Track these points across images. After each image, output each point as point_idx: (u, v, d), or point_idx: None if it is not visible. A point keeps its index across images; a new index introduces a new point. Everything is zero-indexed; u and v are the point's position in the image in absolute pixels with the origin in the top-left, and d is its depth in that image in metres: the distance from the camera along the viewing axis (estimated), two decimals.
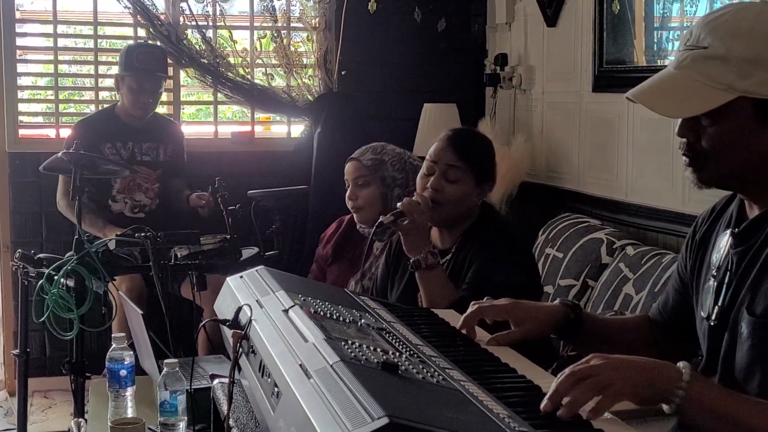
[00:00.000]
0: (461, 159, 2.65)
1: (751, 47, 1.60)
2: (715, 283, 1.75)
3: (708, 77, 1.62)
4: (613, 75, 3.93)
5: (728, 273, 1.72)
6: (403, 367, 1.42)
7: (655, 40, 3.94)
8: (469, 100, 5.03)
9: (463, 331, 1.93)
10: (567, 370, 1.49)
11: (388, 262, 2.83)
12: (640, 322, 2.05)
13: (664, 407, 1.51)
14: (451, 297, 2.50)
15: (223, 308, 1.93)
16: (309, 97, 4.89)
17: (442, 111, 4.73)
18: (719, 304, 1.73)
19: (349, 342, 1.50)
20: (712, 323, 1.74)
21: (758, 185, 1.69)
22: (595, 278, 3.50)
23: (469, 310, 1.95)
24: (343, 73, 4.91)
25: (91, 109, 4.78)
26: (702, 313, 1.79)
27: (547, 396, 1.45)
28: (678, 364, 1.53)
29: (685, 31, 1.68)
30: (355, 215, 3.24)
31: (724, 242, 1.77)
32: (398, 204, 2.62)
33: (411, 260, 2.57)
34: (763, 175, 1.67)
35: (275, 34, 4.88)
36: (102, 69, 4.85)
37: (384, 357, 1.45)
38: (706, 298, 1.78)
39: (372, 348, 1.51)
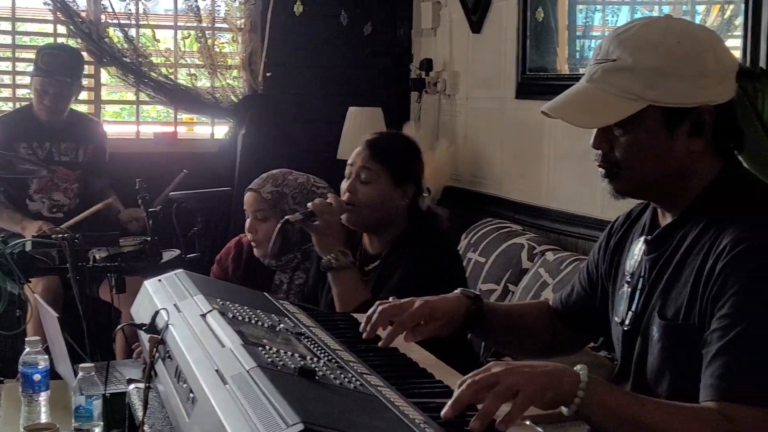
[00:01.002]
0: (374, 160, 2.66)
1: (657, 58, 1.64)
2: (629, 289, 1.79)
3: (618, 88, 1.65)
4: (536, 82, 3.98)
5: (641, 279, 1.76)
6: (321, 373, 1.42)
7: (578, 49, 4.00)
8: (394, 105, 5.05)
9: (365, 335, 1.92)
10: (468, 378, 1.49)
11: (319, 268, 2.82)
12: (539, 309, 2.09)
13: (564, 410, 1.53)
14: (362, 298, 2.50)
15: (141, 312, 1.91)
16: (233, 98, 4.85)
17: (366, 115, 4.74)
18: (633, 309, 1.77)
19: (267, 347, 1.50)
20: (625, 328, 1.78)
21: (670, 193, 1.73)
22: (516, 283, 3.54)
23: (374, 312, 1.93)
24: (268, 75, 4.89)
25: (10, 106, 4.68)
26: (616, 319, 1.82)
27: (448, 404, 1.45)
28: (575, 367, 1.55)
29: (595, 46, 1.72)
30: (254, 249, 3.08)
31: (638, 249, 1.81)
32: (309, 204, 2.62)
33: (322, 260, 2.58)
34: (674, 182, 1.71)
35: (199, 35, 4.83)
36: (20, 66, 4.75)
37: (301, 362, 1.45)
38: (621, 304, 1.81)
39: (290, 353, 1.51)
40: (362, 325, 1.95)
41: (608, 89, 1.66)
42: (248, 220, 3.04)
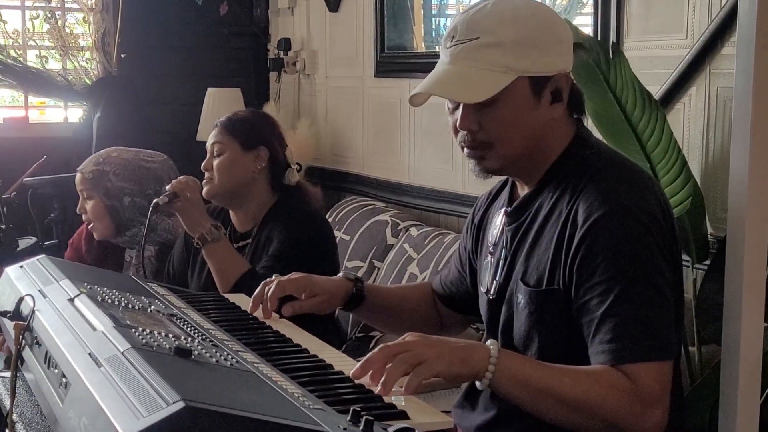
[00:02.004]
0: (223, 133, 2.70)
1: (520, 31, 1.69)
2: (493, 260, 1.85)
3: (489, 63, 1.69)
4: (395, 60, 4.02)
5: (503, 249, 1.82)
6: (196, 352, 1.41)
7: (433, 27, 4.06)
8: (253, 85, 5.01)
9: (257, 313, 1.94)
10: (381, 345, 1.53)
11: (187, 247, 2.79)
12: (422, 292, 2.13)
13: (477, 384, 1.59)
14: (242, 268, 2.52)
15: (2, 299, 1.85)
16: (87, 80, 4.72)
17: (225, 95, 4.69)
18: (497, 278, 1.82)
19: (140, 329, 1.48)
20: (491, 297, 1.83)
21: (532, 164, 1.78)
22: (381, 259, 3.58)
23: (263, 291, 1.95)
24: (122, 56, 4.77)
25: None
26: (482, 289, 1.88)
27: (358, 365, 1.51)
28: (486, 342, 1.61)
29: (446, 31, 1.75)
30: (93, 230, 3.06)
31: (498, 221, 1.86)
32: (167, 186, 2.63)
33: (196, 238, 2.56)
34: (536, 152, 1.76)
35: (49, 15, 4.68)
36: None
37: (176, 342, 1.44)
38: (485, 274, 1.87)
39: (163, 334, 1.49)
40: (251, 306, 1.96)
41: (480, 66, 1.69)
42: (79, 201, 3.04)
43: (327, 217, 4.04)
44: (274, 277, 1.98)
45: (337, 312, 2.64)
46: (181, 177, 2.66)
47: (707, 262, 2.44)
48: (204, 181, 2.68)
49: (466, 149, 1.76)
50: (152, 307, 1.74)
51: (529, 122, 1.73)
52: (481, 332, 2.27)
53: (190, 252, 2.78)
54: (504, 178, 1.92)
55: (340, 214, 3.97)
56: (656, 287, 1.63)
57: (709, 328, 2.25)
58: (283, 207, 2.68)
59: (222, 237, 2.57)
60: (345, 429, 1.18)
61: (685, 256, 2.31)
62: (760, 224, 1.76)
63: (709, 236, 2.47)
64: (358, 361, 1.55)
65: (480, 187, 2.05)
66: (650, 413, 1.57)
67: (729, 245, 1.80)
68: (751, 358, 1.77)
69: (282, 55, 4.83)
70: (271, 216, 2.68)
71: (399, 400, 1.43)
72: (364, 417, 1.20)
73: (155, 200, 2.58)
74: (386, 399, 1.44)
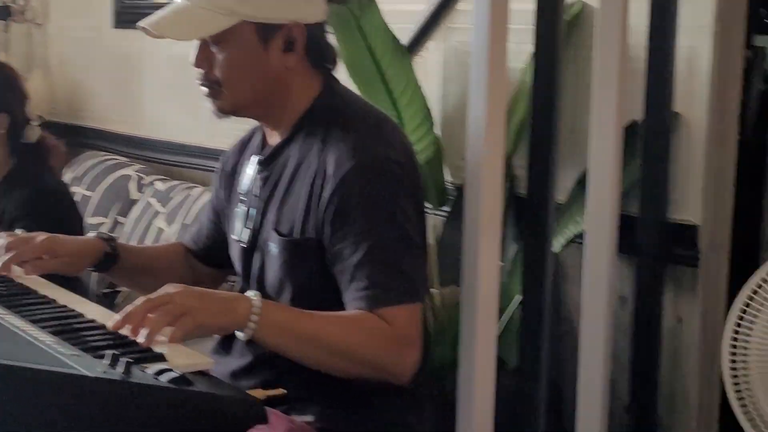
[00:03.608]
0: None
1: None
2: (245, 208, 1.86)
3: (212, 4, 1.70)
4: (135, 11, 3.90)
5: (256, 198, 1.83)
6: None
7: None
8: None
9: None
10: (143, 297, 1.51)
11: None
12: (174, 250, 2.11)
13: (240, 334, 1.60)
14: None
15: None
16: None
17: None
18: (249, 227, 1.84)
19: None
20: (244, 245, 1.85)
21: (273, 111, 1.81)
22: (125, 215, 3.50)
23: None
24: None
25: None
26: (234, 237, 1.89)
27: (118, 316, 1.48)
28: (247, 293, 1.62)
29: None
30: None
31: (250, 169, 1.88)
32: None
33: None
34: (276, 100, 1.79)
35: None
36: None
37: None
38: (237, 223, 1.88)
39: None
40: None
41: (203, 5, 1.71)
42: None
43: (66, 173, 3.88)
44: (18, 232, 1.90)
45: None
46: None
47: (446, 208, 2.57)
48: None
49: (201, 87, 1.78)
50: None
51: (256, 69, 1.75)
52: (231, 284, 2.28)
53: None
54: (255, 126, 1.94)
55: (80, 169, 3.83)
56: (406, 234, 1.70)
57: (450, 271, 2.38)
58: (21, 170, 2.54)
59: None
60: (105, 372, 1.16)
61: (426, 203, 2.42)
62: (495, 172, 1.86)
63: (448, 184, 2.60)
64: (115, 311, 1.53)
65: (227, 140, 2.05)
66: (407, 353, 1.65)
67: (467, 192, 1.90)
68: (488, 296, 1.88)
69: (9, 3, 4.57)
70: (8, 182, 2.53)
71: (160, 349, 1.43)
72: (123, 360, 1.19)
73: None
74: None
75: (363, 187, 1.68)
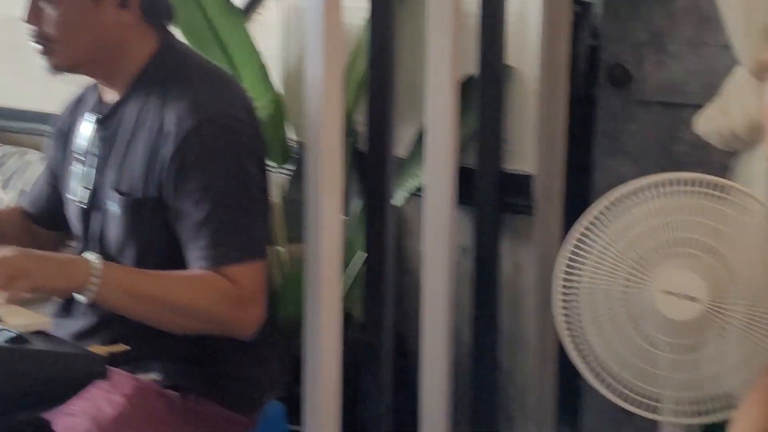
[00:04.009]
0: None
1: None
2: (82, 168, 1.83)
3: None
4: None
5: (94, 157, 1.81)
6: None
7: None
8: None
9: None
10: None
11: None
12: (12, 214, 2.05)
13: (80, 297, 1.58)
14: None
15: None
16: None
17: None
18: (87, 186, 1.81)
19: None
20: (83, 205, 1.82)
21: (110, 69, 1.78)
22: None
23: None
24: None
25: None
26: (71, 197, 1.85)
27: None
28: (87, 255, 1.61)
29: None
30: None
31: (85, 128, 1.84)
32: None
33: None
34: (111, 57, 1.76)
35: None
36: None
37: None
38: (73, 183, 1.85)
39: None
40: None
41: None
42: None
43: None
44: None
45: None
46: None
47: (290, 166, 2.58)
48: None
49: (34, 44, 1.74)
50: None
51: (89, 24, 1.72)
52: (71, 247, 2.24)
53: None
54: (90, 84, 1.90)
55: None
56: (248, 192, 1.71)
57: (296, 228, 2.39)
58: None
59: None
60: None
61: (270, 161, 2.42)
62: (334, 129, 1.88)
63: (292, 142, 2.60)
64: None
65: (56, 103, 2.00)
66: (251, 310, 1.67)
67: (307, 149, 1.91)
68: (331, 252, 1.91)
69: None
70: None
71: None
72: None
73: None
74: None
75: (204, 144, 1.67)
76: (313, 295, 1.91)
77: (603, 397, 1.84)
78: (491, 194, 2.28)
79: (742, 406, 1.36)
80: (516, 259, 2.40)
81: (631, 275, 1.76)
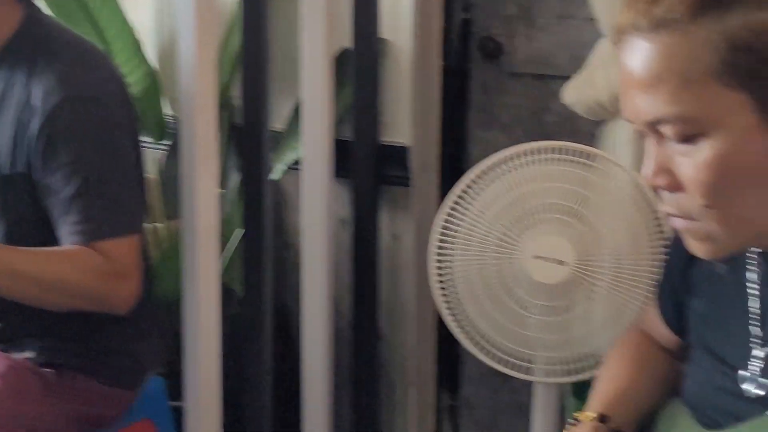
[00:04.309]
0: None
1: None
2: None
3: None
4: None
5: None
6: None
7: None
8: None
9: None
10: None
11: None
12: None
13: None
14: None
15: None
16: None
17: None
18: None
19: None
20: None
21: None
22: None
23: None
24: None
25: None
26: None
27: None
28: None
29: None
30: None
31: None
32: None
33: None
34: None
35: None
36: None
37: None
38: None
39: None
40: None
41: None
42: None
43: None
44: None
45: None
46: None
47: (167, 141, 2.55)
48: None
49: None
50: None
51: None
52: None
53: None
54: None
55: None
56: (120, 167, 1.70)
57: (174, 204, 2.37)
58: None
59: None
60: None
61: (146, 136, 2.40)
62: (209, 103, 1.88)
63: (168, 117, 2.58)
64: None
65: None
66: (125, 285, 1.66)
67: (182, 124, 1.90)
68: (208, 227, 1.91)
69: None
70: None
71: None
72: None
73: None
74: None
75: (72, 119, 1.65)
76: (190, 271, 1.90)
77: (481, 363, 1.89)
78: (368, 166, 2.30)
79: (605, 363, 1.42)
80: (394, 229, 2.44)
81: (502, 242, 1.81)
